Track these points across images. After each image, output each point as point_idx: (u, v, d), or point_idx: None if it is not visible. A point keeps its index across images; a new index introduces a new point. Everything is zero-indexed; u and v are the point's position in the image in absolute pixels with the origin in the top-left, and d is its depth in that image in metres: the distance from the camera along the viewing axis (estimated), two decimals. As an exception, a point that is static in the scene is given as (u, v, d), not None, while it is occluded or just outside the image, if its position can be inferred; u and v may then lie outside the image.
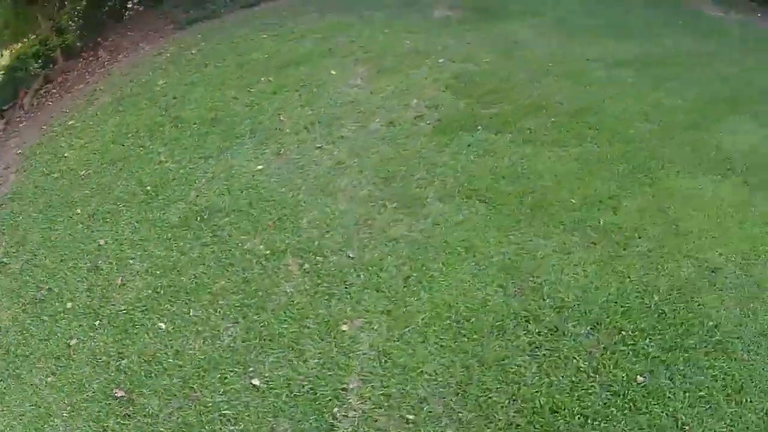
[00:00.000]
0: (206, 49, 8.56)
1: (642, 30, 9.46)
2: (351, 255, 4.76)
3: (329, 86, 7.12)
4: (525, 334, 4.22)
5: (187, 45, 8.83)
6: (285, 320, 4.35)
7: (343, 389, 3.88)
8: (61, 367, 4.46)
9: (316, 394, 3.88)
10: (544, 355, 4.08)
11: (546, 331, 4.21)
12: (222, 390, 4.04)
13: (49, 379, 4.39)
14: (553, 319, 4.30)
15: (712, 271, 4.64)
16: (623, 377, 3.90)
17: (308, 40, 8.46)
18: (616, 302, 4.40)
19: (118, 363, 4.37)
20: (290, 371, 4.02)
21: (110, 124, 7.13)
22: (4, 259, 5.66)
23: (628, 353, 4.06)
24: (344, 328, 4.22)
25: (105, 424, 3.98)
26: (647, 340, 4.14)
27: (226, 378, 4.09)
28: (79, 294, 5.05)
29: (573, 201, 5.36)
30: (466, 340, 4.14)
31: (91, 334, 4.65)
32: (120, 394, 4.14)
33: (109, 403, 4.10)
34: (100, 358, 4.44)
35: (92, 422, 4.02)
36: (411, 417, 3.72)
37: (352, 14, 9.59)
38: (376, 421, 3.74)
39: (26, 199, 6.41)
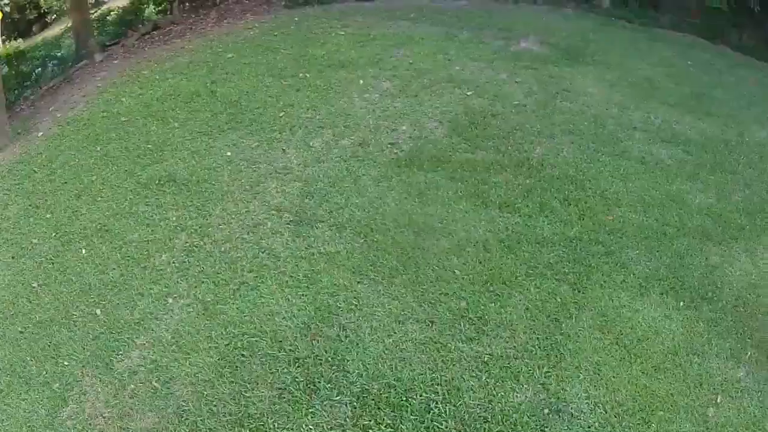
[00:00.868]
0: (287, 34, 9.45)
1: (737, 110, 8.27)
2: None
3: (344, 96, 7.61)
4: (285, 373, 4.43)
5: (278, 26, 9.79)
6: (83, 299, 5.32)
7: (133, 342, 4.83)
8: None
9: (112, 334, 4.93)
10: (287, 401, 4.26)
11: (302, 380, 4.36)
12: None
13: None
14: (321, 373, 4.38)
15: (557, 412, 4.11)
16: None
17: (370, 46, 8.91)
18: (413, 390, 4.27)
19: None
20: (80, 327, 5.05)
21: (165, 84, 8.32)
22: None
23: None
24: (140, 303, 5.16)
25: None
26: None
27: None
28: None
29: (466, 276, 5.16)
30: (240, 355, 4.58)
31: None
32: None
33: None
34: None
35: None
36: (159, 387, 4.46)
37: (442, 29, 9.73)
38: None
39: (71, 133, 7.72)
